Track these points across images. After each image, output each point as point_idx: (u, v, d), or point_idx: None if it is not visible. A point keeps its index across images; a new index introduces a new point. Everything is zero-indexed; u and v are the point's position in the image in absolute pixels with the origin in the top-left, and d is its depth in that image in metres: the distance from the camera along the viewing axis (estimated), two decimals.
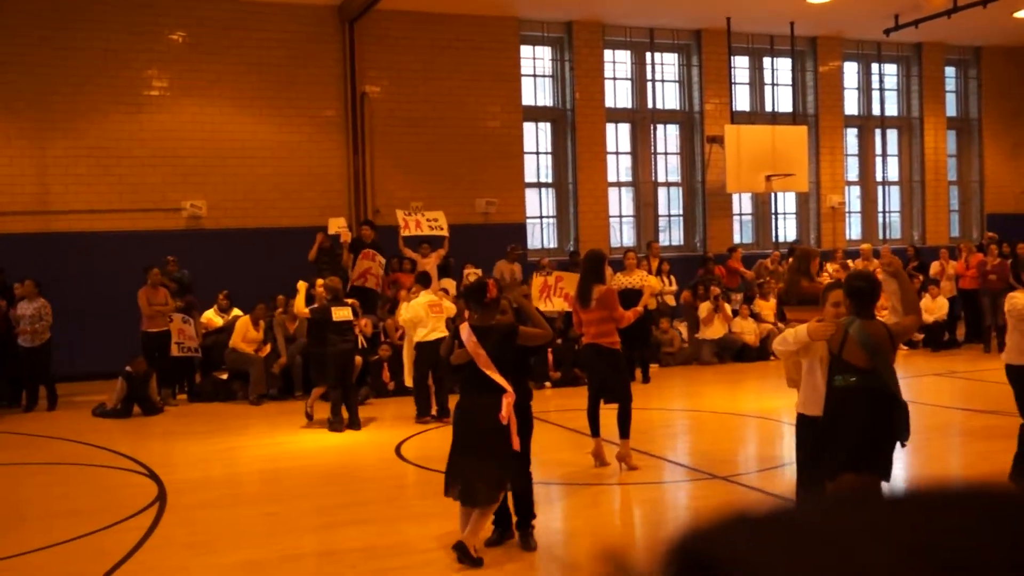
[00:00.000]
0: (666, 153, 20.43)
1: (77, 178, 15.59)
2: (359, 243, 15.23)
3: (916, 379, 13.23)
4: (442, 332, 11.10)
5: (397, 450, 9.70)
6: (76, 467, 9.47)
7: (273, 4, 16.52)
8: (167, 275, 14.01)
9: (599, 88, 19.17)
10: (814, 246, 19.48)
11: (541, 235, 19.35)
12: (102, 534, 6.88)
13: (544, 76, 19.29)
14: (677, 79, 20.35)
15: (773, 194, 20.18)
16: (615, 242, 19.34)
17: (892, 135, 22.58)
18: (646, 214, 19.97)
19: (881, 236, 22.01)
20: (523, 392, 6.23)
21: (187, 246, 15.55)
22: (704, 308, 15.74)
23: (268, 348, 13.43)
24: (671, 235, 20.48)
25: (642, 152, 19.99)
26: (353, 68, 16.99)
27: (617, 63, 19.80)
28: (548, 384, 13.54)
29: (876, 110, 22.12)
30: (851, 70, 21.91)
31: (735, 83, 20.05)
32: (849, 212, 21.96)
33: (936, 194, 22.42)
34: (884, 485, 5.20)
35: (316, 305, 11.15)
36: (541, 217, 19.33)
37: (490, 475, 5.91)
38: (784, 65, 20.85)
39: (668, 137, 20.44)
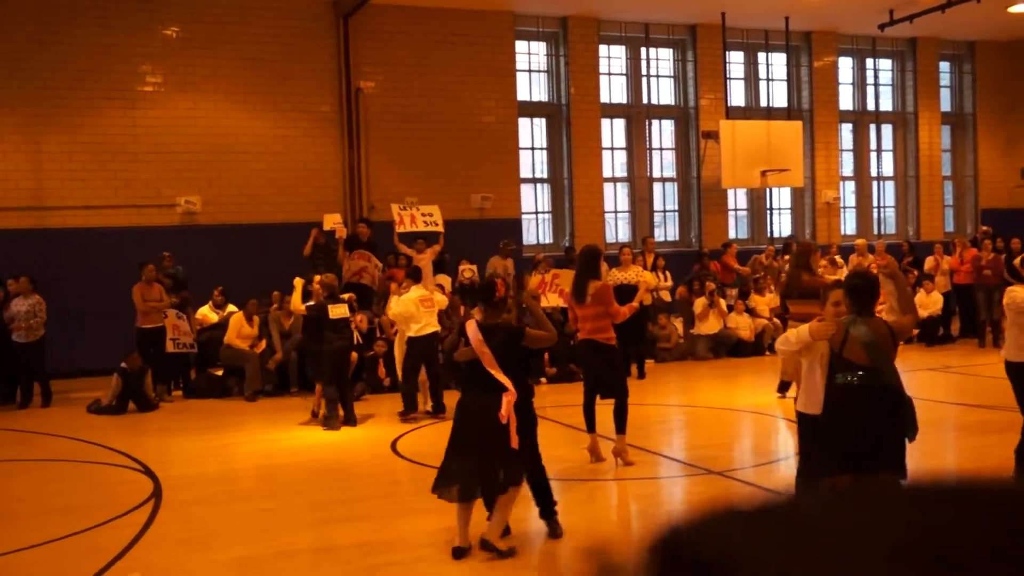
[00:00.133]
0: (661, 148, 20.43)
1: (71, 174, 15.56)
2: (355, 241, 15.22)
3: (911, 374, 13.23)
4: (434, 327, 11.09)
5: (392, 446, 9.70)
6: (71, 464, 9.46)
7: None
8: (162, 271, 13.99)
9: (594, 83, 19.16)
10: (810, 241, 19.50)
11: (536, 231, 19.35)
12: (97, 530, 6.87)
13: (539, 71, 19.27)
14: (672, 74, 20.35)
15: (768, 189, 20.19)
16: (610, 238, 19.35)
17: (887, 130, 22.60)
18: (641, 209, 19.97)
19: (876, 231, 22.04)
20: (525, 390, 6.23)
21: (182, 242, 15.53)
22: (699, 303, 15.74)
23: (263, 344, 13.41)
24: (666, 230, 20.49)
25: (637, 147, 19.99)
26: (348, 63, 16.96)
27: (612, 58, 19.79)
28: (544, 380, 13.54)
29: (871, 105, 22.14)
30: (846, 65, 21.92)
31: (730, 78, 20.05)
32: (844, 207, 21.99)
33: (931, 189, 22.45)
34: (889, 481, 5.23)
35: (313, 302, 11.13)
36: (536, 213, 19.33)
37: (491, 472, 5.90)
38: (779, 60, 20.86)
39: (663, 132, 20.44)
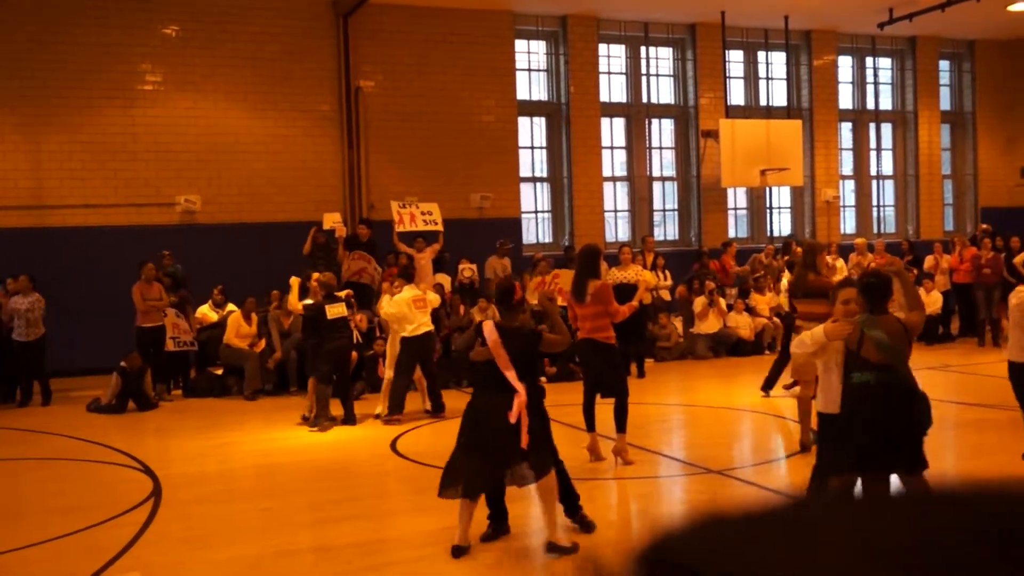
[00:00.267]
0: (661, 148, 20.44)
1: (71, 173, 15.57)
2: (355, 241, 15.22)
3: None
4: (428, 326, 11.01)
5: (392, 445, 9.70)
6: (71, 463, 9.46)
7: None
8: (161, 270, 13.99)
9: (594, 82, 19.17)
10: (806, 239, 19.50)
11: (536, 230, 19.35)
12: (97, 529, 6.87)
13: (539, 70, 19.27)
14: (672, 73, 20.35)
15: (768, 188, 20.20)
16: (610, 237, 19.36)
17: (886, 129, 22.60)
18: (641, 209, 19.97)
19: (875, 230, 22.04)
20: (537, 392, 6.24)
21: (181, 241, 15.54)
22: (699, 303, 15.75)
23: (263, 343, 13.42)
24: (666, 230, 20.49)
25: (637, 147, 19.99)
26: (347, 63, 16.96)
27: (612, 57, 19.79)
28: (543, 379, 13.52)
29: (870, 104, 22.14)
30: (845, 64, 21.92)
31: (730, 77, 20.05)
32: (843, 206, 22.00)
33: (930, 188, 22.46)
34: (896, 481, 5.34)
35: (310, 302, 11.10)
36: (536, 212, 19.33)
37: (497, 472, 5.95)
38: (779, 59, 20.86)
39: (663, 131, 20.45)
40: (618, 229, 20.02)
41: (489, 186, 17.98)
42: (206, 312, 14.20)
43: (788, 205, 21.49)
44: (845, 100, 21.82)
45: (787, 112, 20.43)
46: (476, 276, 15.82)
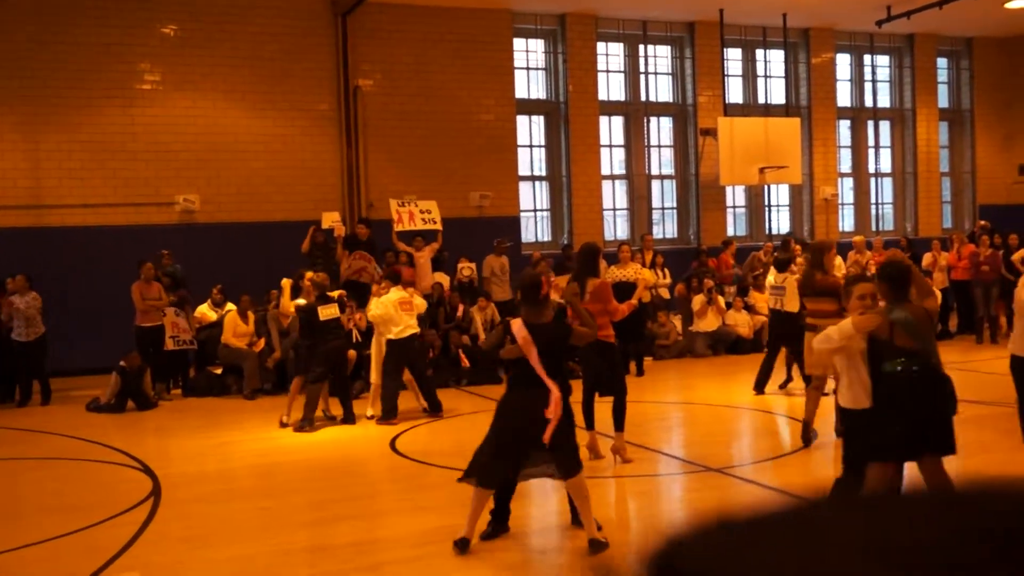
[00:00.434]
0: (659, 146, 20.44)
1: (70, 172, 15.56)
2: (354, 241, 15.23)
3: None
4: (414, 328, 10.95)
5: (392, 444, 9.71)
6: (70, 462, 9.46)
7: None
8: (160, 269, 13.99)
9: (592, 81, 19.17)
10: (806, 238, 19.53)
11: (535, 228, 19.36)
12: (96, 529, 6.88)
13: (537, 69, 19.28)
14: (670, 71, 20.35)
15: (766, 186, 20.21)
16: (609, 235, 19.36)
17: (884, 127, 22.61)
18: (640, 207, 19.98)
19: (874, 228, 22.05)
20: (565, 389, 6.25)
21: (181, 240, 15.54)
22: (698, 301, 15.76)
23: (262, 343, 13.42)
24: (665, 228, 20.50)
25: (635, 145, 20.00)
26: (346, 62, 16.96)
27: (610, 56, 19.80)
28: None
29: (868, 102, 22.14)
30: (843, 62, 21.93)
31: (728, 75, 20.05)
32: (842, 204, 22.01)
33: (928, 185, 22.47)
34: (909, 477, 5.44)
35: (303, 303, 11.00)
36: (535, 210, 19.33)
37: (518, 466, 5.98)
38: (777, 57, 20.86)
39: (661, 130, 20.45)
40: (617, 227, 20.02)
41: (488, 185, 17.98)
42: (205, 311, 14.20)
43: (787, 203, 21.50)
44: (843, 98, 21.83)
45: (785, 110, 20.44)
46: (475, 275, 15.83)
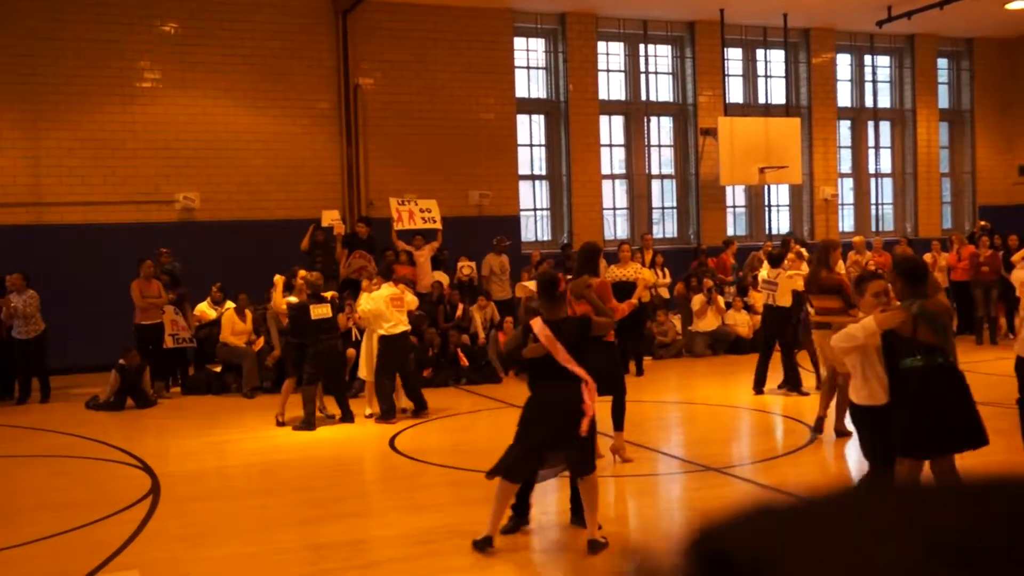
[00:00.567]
0: (660, 145, 20.44)
1: (70, 170, 15.56)
2: (354, 240, 15.22)
3: None
4: (405, 325, 10.91)
5: (391, 443, 9.71)
6: (69, 460, 9.46)
7: None
8: (158, 267, 13.98)
9: (593, 80, 19.17)
10: (806, 239, 19.54)
11: (535, 227, 19.35)
12: (95, 526, 6.88)
13: (538, 68, 19.27)
14: (670, 71, 20.35)
15: (766, 186, 20.21)
16: (608, 234, 19.36)
17: (885, 127, 22.61)
18: (640, 206, 19.98)
19: (874, 228, 22.04)
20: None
21: (181, 238, 15.51)
22: (697, 300, 15.76)
23: (262, 341, 13.42)
24: (664, 227, 20.50)
25: (636, 144, 20.00)
26: (346, 60, 16.96)
27: (611, 55, 19.79)
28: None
29: (869, 102, 22.14)
30: (844, 62, 21.92)
31: (728, 75, 20.05)
32: (842, 204, 22.01)
33: (928, 186, 22.46)
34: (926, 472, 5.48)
35: (295, 301, 10.90)
36: (535, 209, 19.33)
37: (580, 456, 5.98)
38: (777, 57, 20.86)
39: (662, 129, 20.44)
40: (617, 227, 20.02)
41: (488, 184, 17.98)
42: (205, 309, 14.20)
43: (787, 203, 21.50)
44: (844, 98, 21.82)
45: (786, 110, 20.43)
46: (475, 274, 15.83)
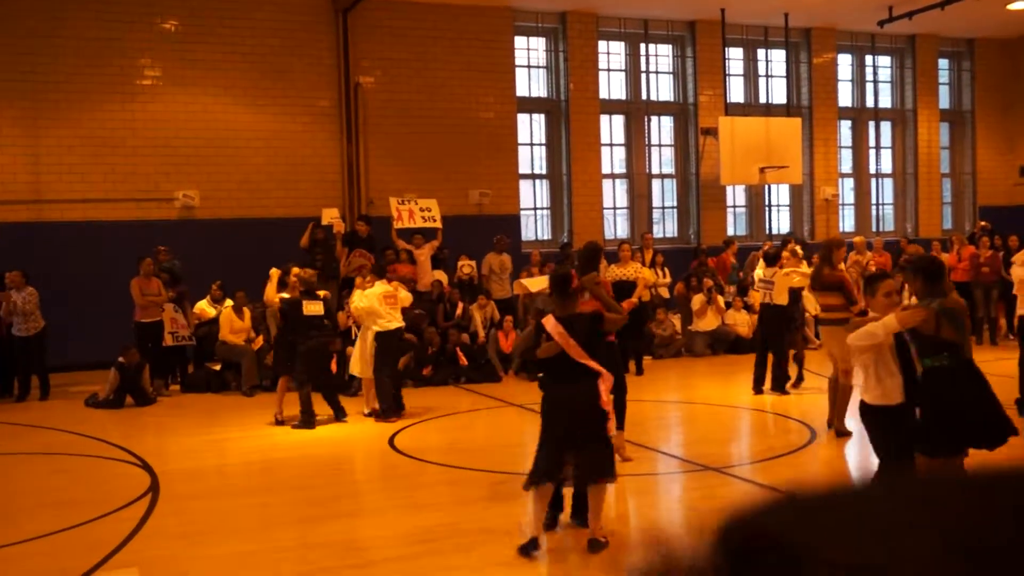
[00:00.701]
0: (660, 145, 20.43)
1: (70, 167, 15.55)
2: (355, 238, 15.20)
3: None
4: (399, 322, 10.89)
5: (390, 441, 9.70)
6: (69, 457, 9.46)
7: None
8: (157, 265, 13.97)
9: (593, 79, 19.15)
10: (805, 238, 19.54)
11: (535, 227, 19.34)
12: (94, 524, 6.87)
13: (538, 67, 19.26)
14: (671, 71, 20.34)
15: (767, 186, 20.20)
16: (609, 234, 19.34)
17: (885, 127, 22.60)
18: (640, 206, 19.97)
19: (874, 228, 22.04)
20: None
21: (180, 236, 15.50)
22: (697, 300, 15.75)
23: (261, 340, 13.41)
24: (665, 227, 20.49)
25: (636, 144, 19.99)
26: (347, 58, 16.95)
27: (611, 54, 19.78)
28: (542, 375, 13.51)
29: (870, 102, 22.13)
30: (845, 62, 21.91)
31: (729, 75, 20.04)
32: (842, 204, 22.00)
33: (929, 186, 22.46)
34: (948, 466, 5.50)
35: (287, 296, 10.85)
36: (535, 208, 19.32)
37: (593, 457, 5.95)
38: (778, 57, 20.85)
39: (662, 129, 20.43)
40: (617, 226, 20.01)
41: (488, 183, 17.97)
42: (204, 307, 14.19)
43: (787, 203, 21.49)
44: (844, 98, 21.81)
45: (786, 110, 20.42)
46: (475, 272, 15.82)
